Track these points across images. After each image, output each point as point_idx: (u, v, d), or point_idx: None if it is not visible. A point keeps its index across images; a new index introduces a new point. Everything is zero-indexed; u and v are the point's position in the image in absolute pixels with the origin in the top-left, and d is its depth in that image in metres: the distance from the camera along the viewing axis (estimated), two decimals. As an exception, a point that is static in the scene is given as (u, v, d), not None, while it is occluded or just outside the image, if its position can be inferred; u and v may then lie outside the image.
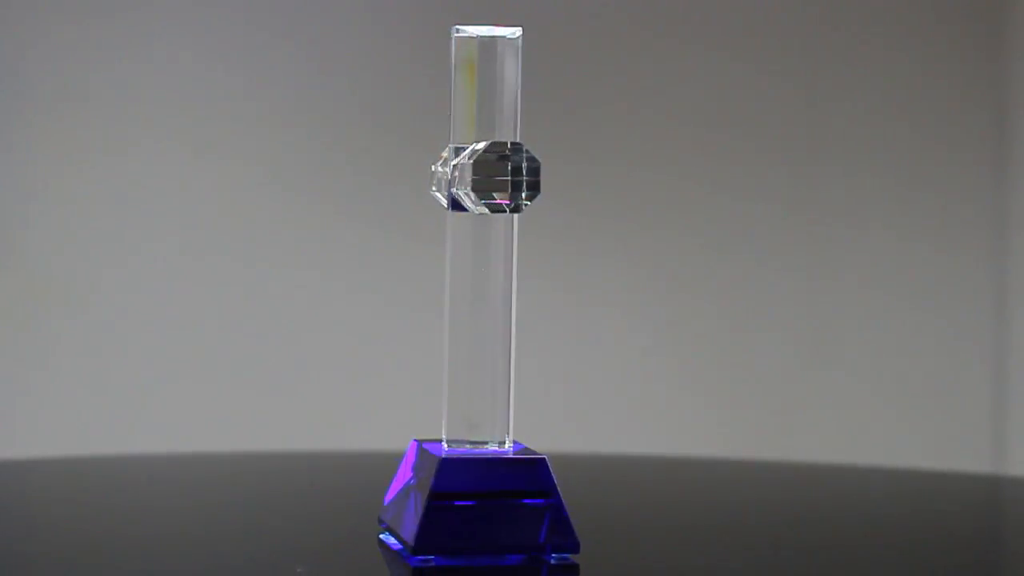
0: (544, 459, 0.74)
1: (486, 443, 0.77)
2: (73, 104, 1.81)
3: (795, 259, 1.96)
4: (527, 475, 0.74)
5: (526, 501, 0.74)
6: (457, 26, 0.77)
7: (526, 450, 0.77)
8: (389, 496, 0.78)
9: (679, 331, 1.94)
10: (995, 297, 2.00)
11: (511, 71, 0.77)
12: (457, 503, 0.74)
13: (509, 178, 0.74)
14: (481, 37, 0.76)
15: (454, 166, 0.75)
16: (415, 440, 0.78)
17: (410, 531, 0.74)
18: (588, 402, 1.92)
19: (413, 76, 1.86)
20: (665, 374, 1.94)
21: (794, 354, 1.96)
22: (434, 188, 0.78)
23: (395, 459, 0.83)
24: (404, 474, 0.78)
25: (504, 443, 0.77)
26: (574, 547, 0.73)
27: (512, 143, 0.75)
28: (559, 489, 0.74)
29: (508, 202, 0.75)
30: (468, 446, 0.76)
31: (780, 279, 1.96)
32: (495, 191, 0.75)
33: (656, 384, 1.94)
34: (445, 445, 0.77)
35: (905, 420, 1.98)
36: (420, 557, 0.73)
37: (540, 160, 0.75)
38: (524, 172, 0.74)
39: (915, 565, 0.79)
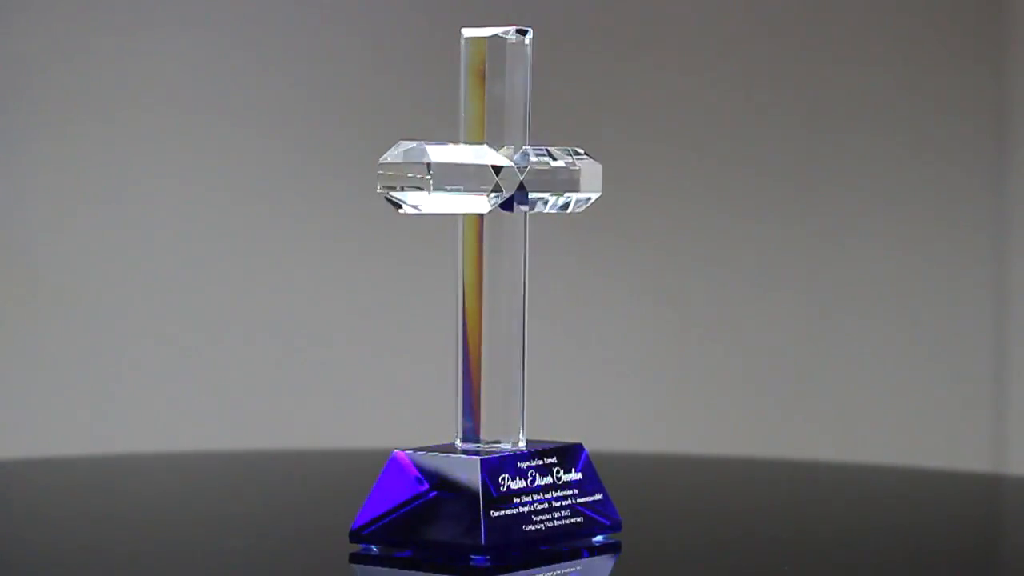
0: (477, 460, 0.75)
1: (499, 442, 0.77)
2: (73, 104, 1.80)
3: (796, 259, 1.96)
4: (462, 473, 0.75)
5: (448, 496, 0.75)
6: (466, 28, 0.77)
7: (538, 450, 0.78)
8: None
9: (680, 331, 1.95)
10: (995, 297, 2.00)
11: (520, 72, 0.77)
12: (394, 495, 0.75)
13: (404, 175, 0.74)
14: (490, 38, 0.77)
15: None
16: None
17: None
18: (590, 401, 1.92)
19: (424, 78, 1.86)
20: (666, 373, 1.94)
21: (794, 353, 1.96)
22: None
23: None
24: None
25: (518, 442, 0.78)
26: (479, 550, 0.74)
27: (419, 142, 0.75)
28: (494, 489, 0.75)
29: (409, 201, 0.74)
30: (485, 445, 0.77)
31: (781, 279, 1.96)
32: (387, 187, 0.74)
33: (658, 383, 1.94)
34: (458, 444, 0.77)
35: (905, 419, 1.98)
36: (363, 544, 0.76)
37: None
38: (420, 171, 0.74)
39: (915, 564, 0.79)
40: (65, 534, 0.84)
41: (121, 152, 1.82)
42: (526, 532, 0.75)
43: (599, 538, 0.79)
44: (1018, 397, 1.99)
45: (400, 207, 0.74)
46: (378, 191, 0.74)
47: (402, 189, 0.74)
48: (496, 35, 0.77)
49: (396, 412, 1.85)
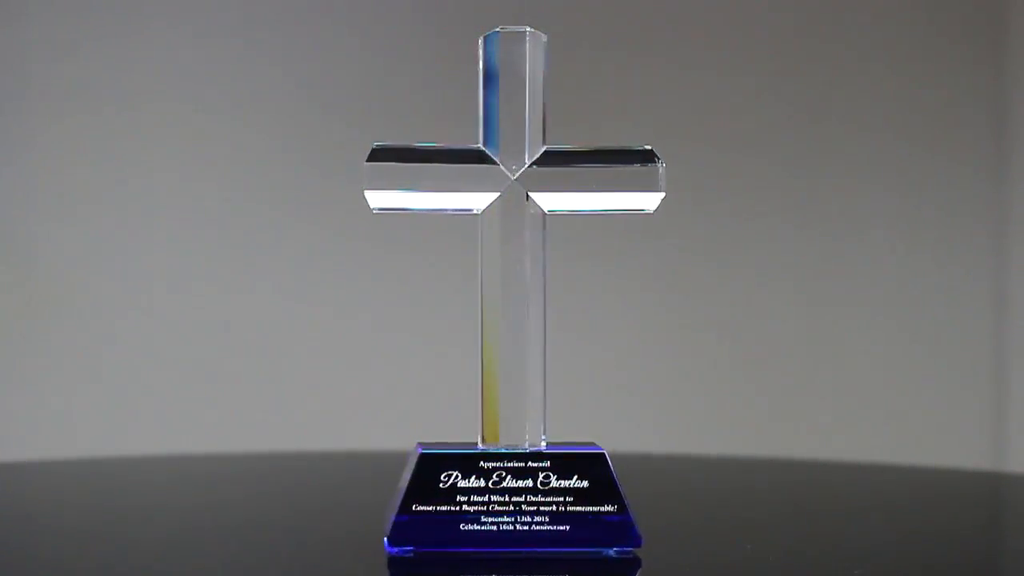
0: (420, 453, 0.75)
1: (515, 443, 0.77)
2: (73, 104, 1.80)
3: (797, 260, 1.97)
4: (409, 466, 0.76)
5: (401, 494, 0.76)
6: (486, 30, 0.78)
7: (552, 449, 0.78)
8: None
9: (682, 332, 1.95)
10: (995, 297, 2.00)
11: (537, 73, 0.78)
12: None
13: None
14: (507, 40, 0.77)
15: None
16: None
17: None
18: (593, 401, 1.92)
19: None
20: (670, 374, 1.94)
21: (797, 353, 1.97)
22: None
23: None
24: None
25: (538, 443, 0.77)
26: (389, 540, 0.74)
27: (379, 143, 0.77)
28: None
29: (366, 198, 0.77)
30: (496, 446, 0.77)
31: (783, 281, 1.96)
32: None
33: (662, 383, 1.94)
34: (480, 444, 0.77)
35: (906, 418, 1.98)
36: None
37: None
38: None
39: (916, 561, 0.80)
40: (82, 538, 0.84)
41: (123, 154, 1.82)
42: (464, 532, 0.75)
43: (612, 550, 0.76)
44: (1018, 397, 1.99)
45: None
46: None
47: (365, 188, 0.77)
48: (511, 34, 0.77)
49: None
